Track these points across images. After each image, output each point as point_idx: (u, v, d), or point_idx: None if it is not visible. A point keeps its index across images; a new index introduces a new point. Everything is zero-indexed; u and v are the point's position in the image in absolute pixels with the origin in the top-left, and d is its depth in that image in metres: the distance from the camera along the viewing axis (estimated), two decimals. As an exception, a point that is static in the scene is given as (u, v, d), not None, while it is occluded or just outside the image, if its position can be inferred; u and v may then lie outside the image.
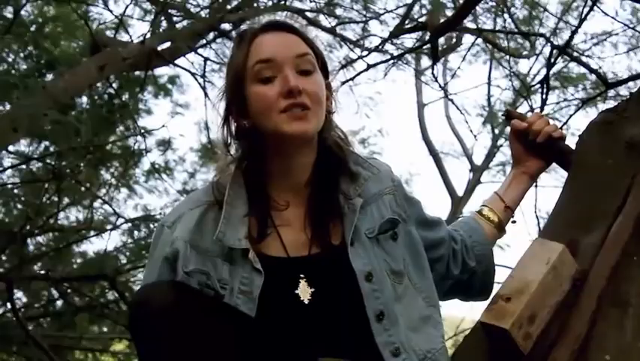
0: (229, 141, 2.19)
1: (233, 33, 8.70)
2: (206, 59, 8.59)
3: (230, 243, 2.06)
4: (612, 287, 2.04)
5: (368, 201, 2.20)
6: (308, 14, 8.58)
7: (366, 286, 2.09)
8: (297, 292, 2.07)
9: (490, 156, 15.13)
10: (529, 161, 2.53)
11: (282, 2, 8.64)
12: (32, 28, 7.85)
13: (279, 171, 2.18)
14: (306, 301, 2.07)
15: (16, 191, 8.59)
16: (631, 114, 2.36)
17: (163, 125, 8.44)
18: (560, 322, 2.00)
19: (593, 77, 8.91)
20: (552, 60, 6.70)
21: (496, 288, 2.15)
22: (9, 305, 7.76)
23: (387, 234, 2.18)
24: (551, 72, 7.41)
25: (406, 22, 8.31)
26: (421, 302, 2.19)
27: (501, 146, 14.73)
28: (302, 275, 2.09)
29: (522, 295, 2.00)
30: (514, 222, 2.56)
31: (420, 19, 8.36)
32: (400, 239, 2.21)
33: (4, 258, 8.36)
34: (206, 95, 8.27)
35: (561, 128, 2.59)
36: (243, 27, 2.30)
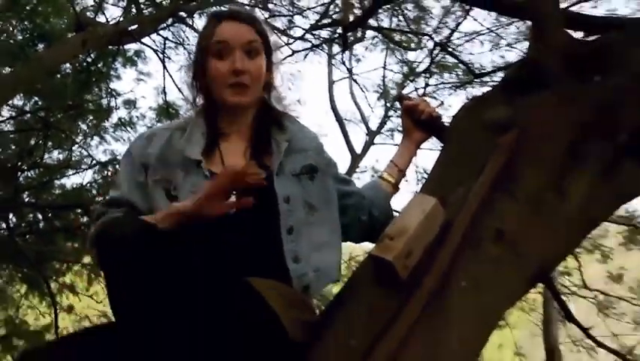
0: (196, 86, 2.34)
1: (188, 19, 8.73)
2: (165, 39, 8.80)
3: (188, 154, 2.18)
4: (471, 232, 2.08)
5: (295, 149, 2.29)
6: (247, 7, 8.59)
7: (284, 206, 2.18)
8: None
9: (382, 123, 15.26)
10: (415, 133, 2.60)
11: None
12: (28, 8, 7.73)
13: (228, 118, 2.31)
14: (232, 212, 2.08)
15: (12, 136, 8.48)
16: (492, 101, 2.39)
17: (131, 90, 8.45)
18: (430, 257, 2.04)
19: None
20: (434, 54, 6.80)
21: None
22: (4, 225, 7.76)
23: (306, 175, 2.27)
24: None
25: (324, 18, 8.33)
26: (326, 231, 2.28)
27: (390, 116, 14.84)
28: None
29: (403, 236, 2.02)
30: (406, 180, 2.64)
31: (334, 16, 8.40)
32: (316, 182, 2.30)
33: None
34: (164, 66, 8.51)
35: (438, 107, 2.64)
36: (214, 10, 2.44)
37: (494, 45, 9.95)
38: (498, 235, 2.09)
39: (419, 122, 2.57)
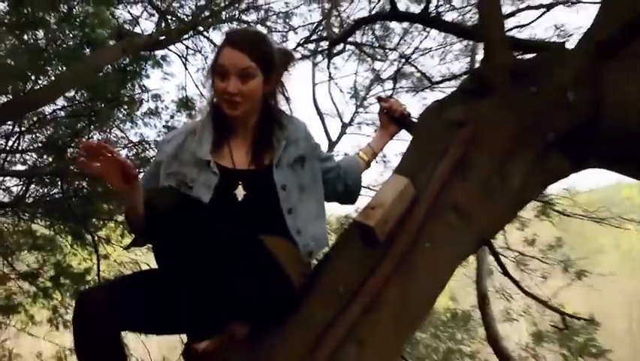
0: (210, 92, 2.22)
1: (205, 32, 8.70)
2: (187, 47, 8.73)
3: (200, 155, 2.13)
4: (434, 206, 2.10)
5: (290, 141, 2.22)
6: (251, 24, 8.65)
7: (282, 193, 2.13)
8: (235, 192, 2.10)
9: (352, 117, 15.19)
10: (390, 127, 2.58)
11: (237, 16, 8.60)
12: (79, 20, 7.68)
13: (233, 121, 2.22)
14: (240, 199, 2.10)
15: (64, 121, 8.43)
16: (451, 104, 2.40)
17: (158, 89, 8.41)
18: (402, 224, 2.05)
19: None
20: (399, 64, 6.84)
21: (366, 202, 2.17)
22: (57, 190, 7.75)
23: (298, 163, 2.22)
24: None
25: (312, 35, 8.33)
26: (315, 205, 2.24)
27: (359, 112, 14.79)
28: (240, 182, 2.12)
29: (381, 207, 2.03)
30: (376, 161, 2.63)
31: (318, 34, 8.41)
32: (305, 167, 2.24)
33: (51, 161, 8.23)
34: (186, 68, 8.55)
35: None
36: (227, 31, 2.30)
37: (442, 59, 10.02)
38: (455, 209, 2.11)
39: (393, 119, 2.57)
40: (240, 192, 2.11)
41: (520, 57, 2.80)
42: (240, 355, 1.97)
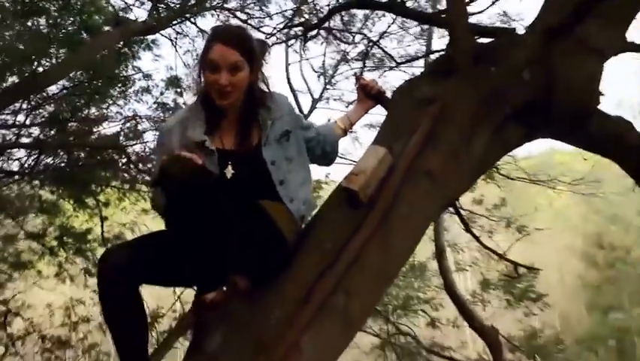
0: (200, 81, 2.14)
1: (191, 18, 8.58)
2: (177, 32, 8.69)
3: (196, 139, 2.07)
4: (409, 172, 2.11)
5: (275, 120, 2.18)
6: (232, 10, 8.60)
7: (272, 167, 2.11)
8: (225, 171, 2.07)
9: (322, 94, 15.12)
10: (366, 101, 2.52)
11: (219, 4, 8.50)
12: (77, 8, 7.52)
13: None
14: (229, 176, 2.07)
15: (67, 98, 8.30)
16: (421, 82, 2.41)
17: (149, 71, 8.27)
18: (382, 189, 2.06)
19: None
20: (368, 47, 6.81)
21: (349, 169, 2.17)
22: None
23: (284, 138, 2.18)
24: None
25: (289, 22, 8.24)
26: (302, 172, 2.22)
27: (328, 89, 14.70)
28: (230, 162, 2.09)
29: (364, 174, 2.04)
30: (351, 132, 2.59)
31: (296, 20, 8.33)
32: (291, 140, 2.20)
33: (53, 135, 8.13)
34: (176, 50, 8.50)
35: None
36: (214, 26, 2.21)
37: (399, 41, 9.97)
38: (427, 175, 2.12)
39: (369, 95, 2.54)
40: (228, 172, 2.08)
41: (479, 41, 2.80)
42: (242, 305, 1.97)
